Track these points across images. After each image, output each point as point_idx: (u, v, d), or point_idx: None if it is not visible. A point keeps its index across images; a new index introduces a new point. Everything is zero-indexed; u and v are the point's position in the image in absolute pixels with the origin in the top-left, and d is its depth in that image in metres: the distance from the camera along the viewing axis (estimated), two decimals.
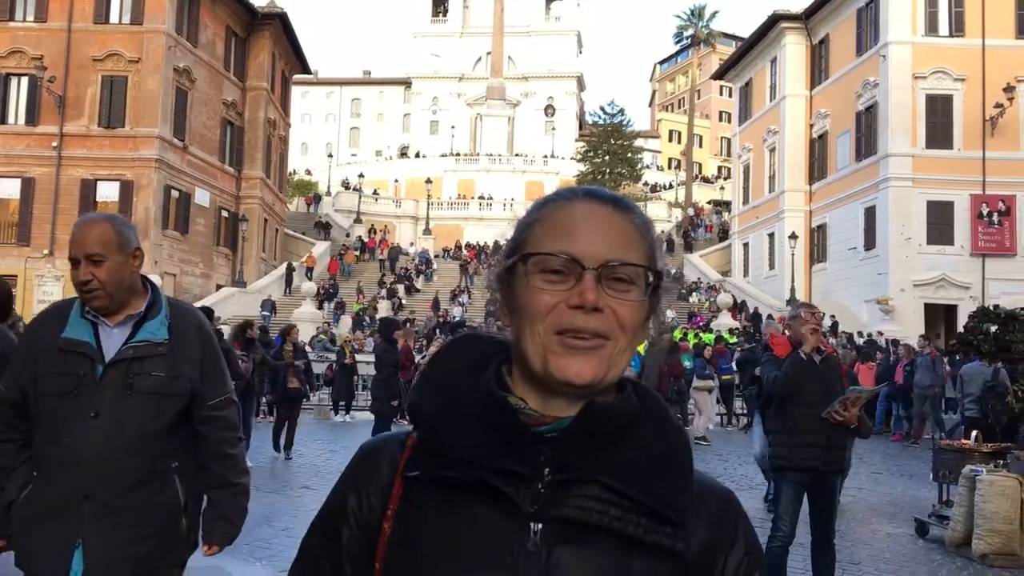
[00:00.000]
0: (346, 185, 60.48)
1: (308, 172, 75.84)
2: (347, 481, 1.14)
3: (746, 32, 48.30)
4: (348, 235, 50.53)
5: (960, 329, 24.01)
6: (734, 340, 26.46)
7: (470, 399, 1.06)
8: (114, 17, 33.11)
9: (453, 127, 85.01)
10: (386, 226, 55.49)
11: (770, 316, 33.68)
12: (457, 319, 31.36)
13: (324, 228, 51.60)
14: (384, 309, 34.35)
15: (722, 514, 1.10)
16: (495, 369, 1.09)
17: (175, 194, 33.96)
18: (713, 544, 1.07)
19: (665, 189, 71.33)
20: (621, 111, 70.45)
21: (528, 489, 1.01)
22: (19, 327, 9.85)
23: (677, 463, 1.06)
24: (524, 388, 1.06)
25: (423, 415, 1.08)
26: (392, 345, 13.28)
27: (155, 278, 24.20)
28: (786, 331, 6.42)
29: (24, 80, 32.62)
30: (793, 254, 35.40)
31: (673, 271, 42.05)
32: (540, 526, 1.00)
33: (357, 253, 45.87)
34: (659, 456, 1.05)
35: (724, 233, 50.53)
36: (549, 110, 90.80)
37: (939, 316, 30.60)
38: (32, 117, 32.66)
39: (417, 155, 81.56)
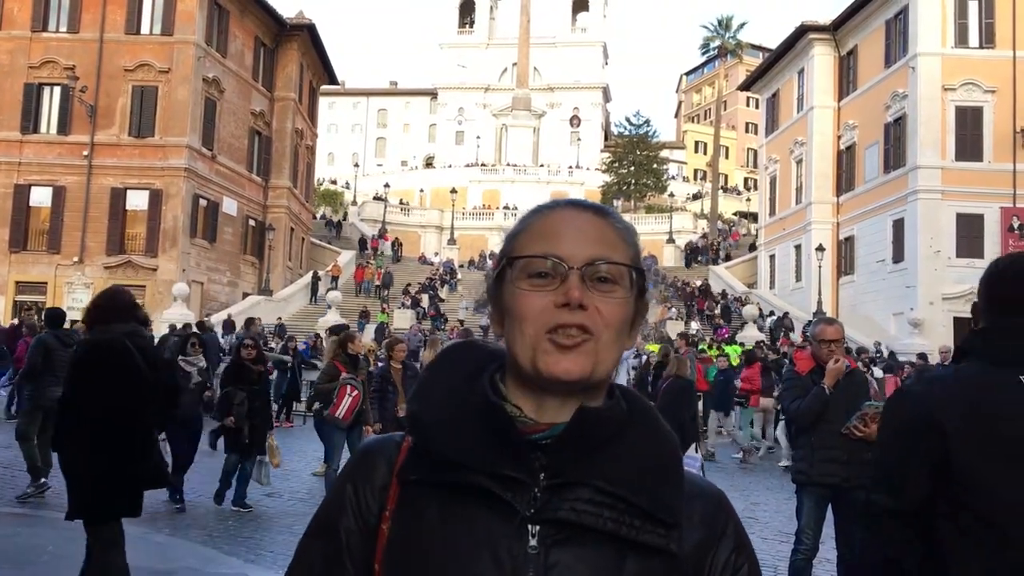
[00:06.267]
0: (378, 197, 61.01)
1: (333, 182, 76.38)
2: (344, 478, 1.17)
3: (773, 43, 48.11)
4: (366, 247, 50.56)
5: None
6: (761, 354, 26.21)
7: (466, 406, 1.10)
8: (145, 28, 33.55)
9: (478, 137, 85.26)
10: (408, 238, 55.74)
11: (786, 315, 33.64)
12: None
13: (336, 227, 52.51)
14: (409, 318, 34.47)
15: (711, 513, 1.13)
16: (489, 376, 1.12)
17: (203, 203, 34.29)
18: (704, 542, 1.10)
19: (691, 200, 71.20)
20: (647, 122, 70.53)
21: (524, 493, 1.05)
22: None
23: (668, 466, 1.10)
24: (518, 394, 1.10)
25: (421, 422, 1.12)
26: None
27: (182, 286, 23.98)
28: (808, 345, 6.33)
29: (56, 90, 33.09)
30: (820, 266, 35.13)
31: (659, 273, 42.17)
32: (538, 528, 1.04)
33: (377, 267, 45.07)
34: (650, 460, 1.09)
35: (728, 256, 50.06)
36: (574, 121, 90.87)
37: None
38: (64, 126, 33.11)
39: (443, 165, 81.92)
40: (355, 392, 9.19)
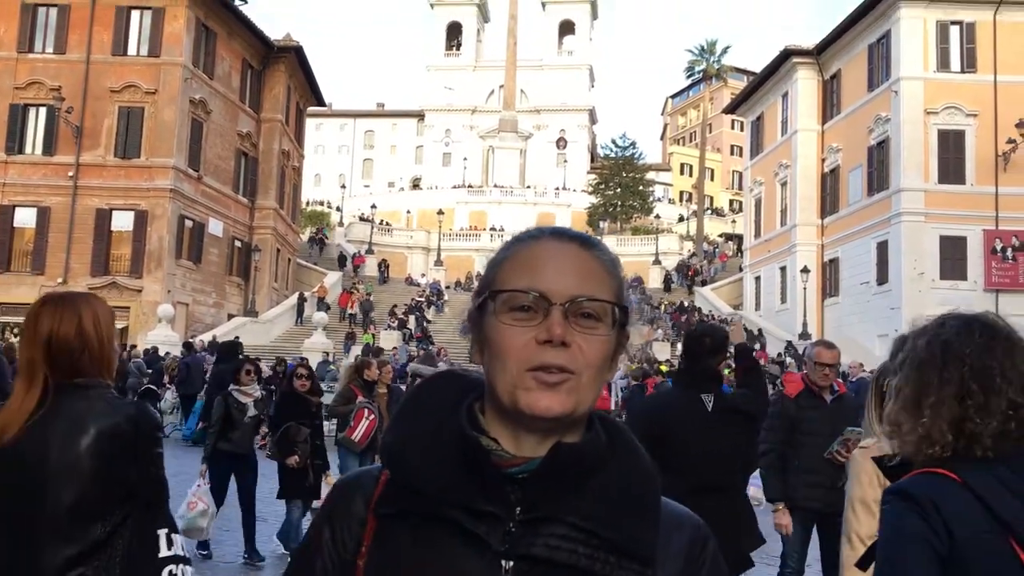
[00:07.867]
0: (363, 218, 61.02)
1: (320, 203, 76.35)
2: (323, 516, 1.16)
3: (758, 67, 48.54)
4: (345, 264, 50.52)
5: None
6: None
7: (444, 437, 1.08)
8: (132, 49, 33.51)
9: (465, 159, 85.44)
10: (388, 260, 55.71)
11: (759, 331, 33.68)
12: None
13: (319, 244, 53.10)
14: (395, 339, 34.37)
15: (691, 543, 1.12)
16: (467, 407, 1.11)
17: (189, 224, 34.16)
18: (683, 573, 1.09)
19: (677, 222, 71.53)
20: (632, 144, 70.92)
21: (499, 528, 1.03)
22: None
23: (645, 500, 1.09)
24: (496, 426, 1.08)
25: (396, 454, 1.10)
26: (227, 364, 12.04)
27: (167, 308, 23.55)
28: (803, 367, 6.32)
29: (42, 111, 32.98)
30: (805, 288, 35.28)
31: (646, 293, 41.91)
32: (511, 563, 1.03)
33: (363, 293, 42.97)
34: (627, 494, 1.08)
35: (702, 282, 49.32)
36: (561, 143, 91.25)
37: None
38: (49, 147, 32.97)
39: (430, 187, 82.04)
40: (372, 416, 9.01)
